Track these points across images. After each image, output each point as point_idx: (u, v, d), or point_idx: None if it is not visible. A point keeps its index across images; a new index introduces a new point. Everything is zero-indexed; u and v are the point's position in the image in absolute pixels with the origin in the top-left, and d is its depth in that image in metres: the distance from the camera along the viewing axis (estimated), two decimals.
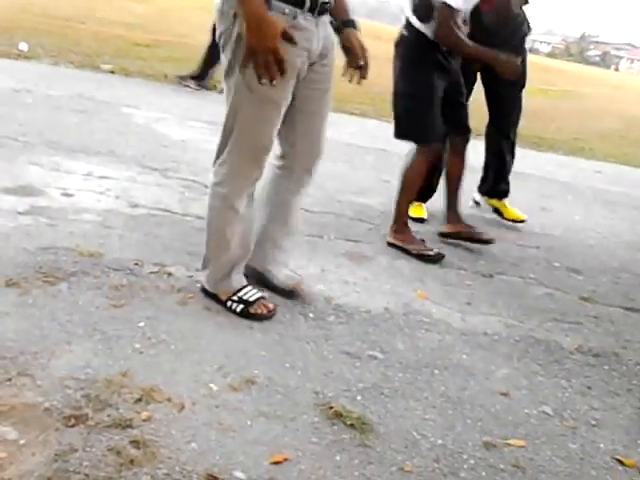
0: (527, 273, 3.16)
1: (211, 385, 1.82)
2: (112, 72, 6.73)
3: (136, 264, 2.44)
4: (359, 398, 1.88)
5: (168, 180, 3.51)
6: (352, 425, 1.75)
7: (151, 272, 2.40)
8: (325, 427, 1.74)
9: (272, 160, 2.28)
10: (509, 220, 3.84)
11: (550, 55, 56.10)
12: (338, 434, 1.72)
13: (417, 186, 3.21)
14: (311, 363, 2.01)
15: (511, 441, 1.84)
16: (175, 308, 2.19)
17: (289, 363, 1.99)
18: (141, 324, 2.05)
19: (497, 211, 3.89)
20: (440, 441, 1.78)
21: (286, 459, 1.60)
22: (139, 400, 1.69)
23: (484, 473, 1.69)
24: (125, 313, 2.09)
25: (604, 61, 71.07)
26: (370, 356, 2.12)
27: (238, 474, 1.52)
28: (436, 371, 2.11)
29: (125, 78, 6.59)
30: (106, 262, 2.41)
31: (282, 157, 2.29)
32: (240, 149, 2.08)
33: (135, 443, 1.53)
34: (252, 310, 2.20)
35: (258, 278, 2.39)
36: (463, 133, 3.22)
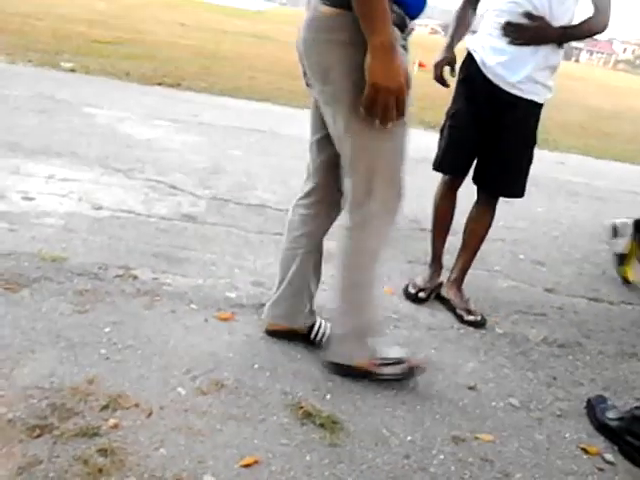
0: (492, 266, 3.20)
1: (179, 389, 1.81)
2: (73, 70, 6.62)
3: (100, 268, 2.41)
4: (328, 397, 1.89)
5: (132, 181, 3.47)
6: (322, 424, 1.76)
7: (116, 276, 2.37)
8: (295, 427, 1.74)
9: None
10: None
11: None
12: (308, 434, 1.72)
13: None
14: (280, 363, 2.01)
15: (479, 435, 1.86)
16: (141, 312, 2.16)
17: (258, 364, 1.99)
18: (107, 329, 2.02)
19: None
20: (409, 437, 1.79)
21: (256, 461, 1.59)
22: (106, 407, 1.67)
23: (453, 467, 1.71)
24: (90, 319, 2.06)
25: (565, 53, 72.09)
26: None
27: (208, 478, 1.51)
28: None
29: (86, 77, 6.49)
30: (69, 267, 2.37)
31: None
32: (385, 190, 1.82)
33: (102, 451, 1.52)
34: (407, 365, 2.00)
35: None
36: None
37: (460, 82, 2.54)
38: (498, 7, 2.39)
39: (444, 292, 2.69)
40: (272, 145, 4.91)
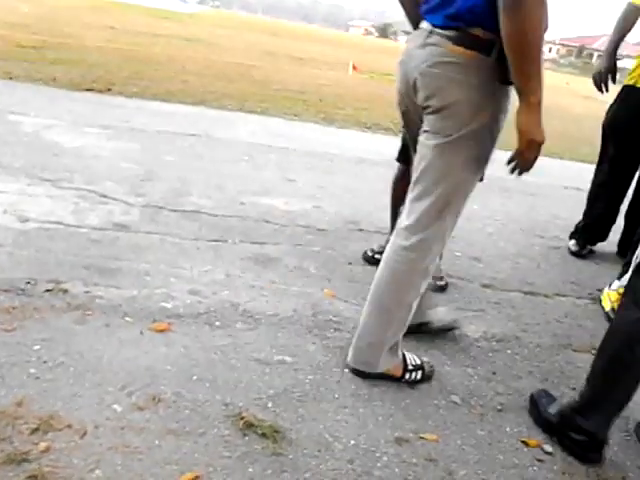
0: None
1: (115, 406, 1.74)
2: None
3: (28, 283, 2.31)
4: (270, 405, 1.86)
5: (61, 191, 3.35)
6: (264, 434, 1.73)
7: (45, 290, 2.28)
8: (236, 439, 1.70)
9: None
10: None
11: None
12: (250, 445, 1.69)
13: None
14: (219, 374, 1.96)
15: (423, 434, 1.86)
16: (72, 327, 2.08)
17: (197, 376, 1.94)
18: (36, 347, 1.93)
19: None
20: (353, 441, 1.78)
21: (197, 477, 1.55)
22: (36, 430, 1.59)
23: (397, 469, 1.71)
24: (18, 337, 1.97)
25: None
26: (279, 361, 2.09)
27: None
28: (346, 370, 2.11)
29: (10, 82, 6.23)
30: None
31: None
32: (451, 218, 1.95)
33: (32, 478, 1.44)
34: (428, 369, 2.12)
35: (417, 330, 2.33)
36: None
37: None
38: None
39: None
40: (206, 149, 4.83)
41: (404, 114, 2.03)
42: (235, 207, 3.55)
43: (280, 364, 2.08)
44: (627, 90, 3.49)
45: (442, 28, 1.76)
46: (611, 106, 3.59)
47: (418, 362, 2.11)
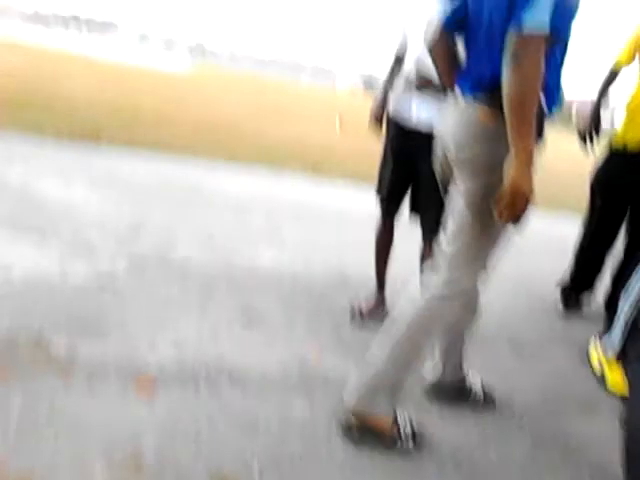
0: None
1: (95, 468, 1.68)
2: None
3: (10, 335, 2.25)
4: (256, 470, 1.79)
5: (46, 241, 3.31)
6: None
7: (27, 344, 2.22)
8: None
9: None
10: None
11: None
12: None
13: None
14: (204, 437, 1.90)
15: None
16: (55, 383, 2.02)
17: (180, 438, 1.87)
18: (16, 405, 1.87)
19: None
20: None
21: None
22: None
23: None
24: None
25: None
26: (266, 423, 2.03)
27: None
28: (335, 431, 2.05)
29: None
30: None
31: None
32: (478, 268, 2.02)
33: None
34: (417, 432, 2.08)
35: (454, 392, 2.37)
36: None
37: None
38: None
39: None
40: (194, 201, 4.84)
41: (441, 168, 2.15)
42: (223, 260, 3.53)
43: (266, 426, 2.02)
44: (613, 151, 3.60)
45: (470, 92, 1.91)
46: (599, 166, 3.69)
47: (409, 422, 2.08)
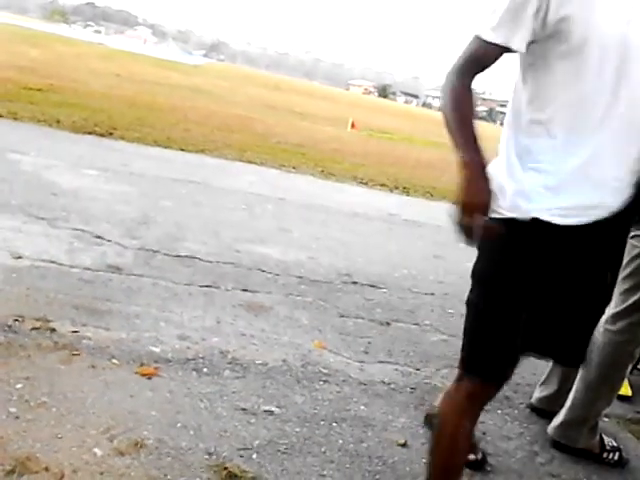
0: (422, 320, 3.21)
1: (95, 450, 1.70)
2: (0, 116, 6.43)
3: (16, 320, 2.28)
4: (255, 457, 1.81)
5: (56, 230, 3.34)
6: None
7: (33, 328, 2.25)
8: None
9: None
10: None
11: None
12: None
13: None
14: (204, 422, 1.92)
15: None
16: (58, 367, 2.04)
17: (181, 422, 1.89)
18: (18, 386, 1.89)
19: None
20: None
21: None
22: (11, 472, 1.54)
23: None
24: (0, 374, 1.93)
25: (490, 116, 76.84)
26: (266, 411, 2.05)
27: None
28: (334, 424, 2.07)
29: (14, 122, 6.31)
30: None
31: None
32: None
33: None
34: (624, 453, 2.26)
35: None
36: None
37: None
38: None
39: None
40: (204, 197, 4.86)
41: None
42: (229, 254, 3.55)
43: (267, 414, 2.04)
44: None
45: None
46: None
47: (615, 444, 2.25)
